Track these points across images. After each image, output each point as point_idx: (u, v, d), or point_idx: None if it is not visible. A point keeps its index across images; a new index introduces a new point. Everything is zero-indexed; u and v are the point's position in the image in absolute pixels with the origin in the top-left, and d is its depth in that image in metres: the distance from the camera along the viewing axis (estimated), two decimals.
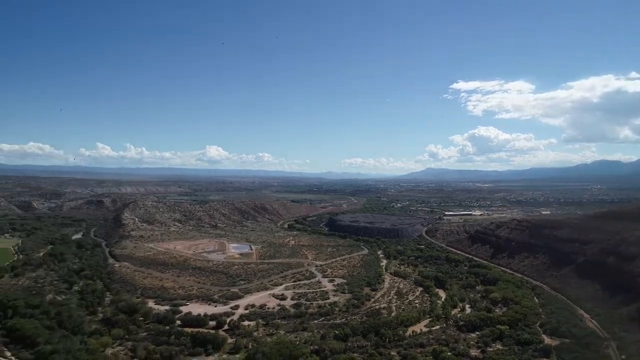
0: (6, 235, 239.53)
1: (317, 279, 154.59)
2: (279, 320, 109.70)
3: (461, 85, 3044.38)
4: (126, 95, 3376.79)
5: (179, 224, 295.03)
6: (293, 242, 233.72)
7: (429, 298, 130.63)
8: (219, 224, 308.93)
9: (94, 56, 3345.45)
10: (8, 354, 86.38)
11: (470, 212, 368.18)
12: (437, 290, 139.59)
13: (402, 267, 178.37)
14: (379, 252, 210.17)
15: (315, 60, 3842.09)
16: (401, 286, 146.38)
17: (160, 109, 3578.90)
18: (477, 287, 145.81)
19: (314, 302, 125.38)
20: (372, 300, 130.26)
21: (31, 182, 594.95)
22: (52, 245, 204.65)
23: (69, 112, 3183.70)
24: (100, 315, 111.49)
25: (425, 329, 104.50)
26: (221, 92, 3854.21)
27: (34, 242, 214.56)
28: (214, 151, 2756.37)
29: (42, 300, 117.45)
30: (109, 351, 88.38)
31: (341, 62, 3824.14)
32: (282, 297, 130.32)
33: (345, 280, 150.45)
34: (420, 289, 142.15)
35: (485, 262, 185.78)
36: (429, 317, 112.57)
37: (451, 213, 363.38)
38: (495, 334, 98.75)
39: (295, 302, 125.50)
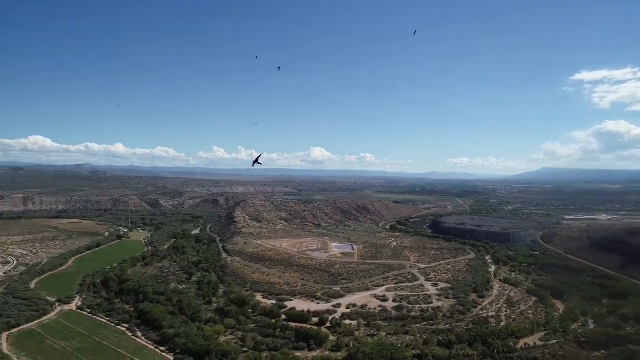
0: (139, 229, 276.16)
1: (419, 282, 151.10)
2: (380, 322, 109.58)
3: (584, 75, 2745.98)
4: (239, 102, 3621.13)
5: (285, 223, 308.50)
6: (395, 243, 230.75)
7: (544, 309, 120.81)
8: (322, 224, 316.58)
9: (216, 68, 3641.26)
10: (139, 334, 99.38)
11: (594, 217, 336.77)
12: (553, 301, 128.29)
13: (513, 274, 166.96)
14: (487, 257, 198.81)
15: (417, 58, 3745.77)
16: (512, 294, 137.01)
17: (269, 113, 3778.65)
18: (602, 301, 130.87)
19: (417, 306, 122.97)
20: (479, 307, 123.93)
21: (158, 182, 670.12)
22: (175, 239, 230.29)
23: (188, 119, 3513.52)
24: (215, 305, 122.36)
25: (539, 343, 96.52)
26: (326, 95, 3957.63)
27: (160, 235, 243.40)
28: (317, 152, 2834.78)
29: (167, 288, 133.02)
30: (221, 339, 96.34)
31: (445, 58, 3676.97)
32: (384, 299, 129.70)
33: (449, 285, 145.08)
34: (534, 298, 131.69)
35: (613, 273, 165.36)
36: (544, 330, 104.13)
37: (571, 217, 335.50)
38: (626, 355, 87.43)
39: (396, 304, 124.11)
